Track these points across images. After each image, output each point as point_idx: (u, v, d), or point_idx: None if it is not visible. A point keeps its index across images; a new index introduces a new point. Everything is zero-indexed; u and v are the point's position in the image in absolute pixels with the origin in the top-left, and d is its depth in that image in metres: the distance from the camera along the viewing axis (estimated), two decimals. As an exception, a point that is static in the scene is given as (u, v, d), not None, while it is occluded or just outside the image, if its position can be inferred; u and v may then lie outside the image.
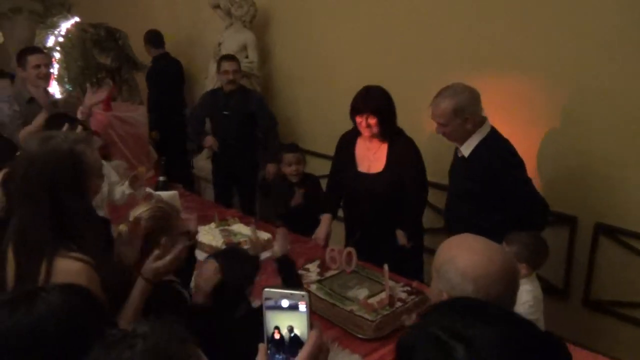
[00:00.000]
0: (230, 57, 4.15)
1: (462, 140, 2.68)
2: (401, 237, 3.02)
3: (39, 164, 1.56)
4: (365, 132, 2.98)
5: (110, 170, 3.23)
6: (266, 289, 0.89)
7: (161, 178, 3.39)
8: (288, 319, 0.88)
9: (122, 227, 1.85)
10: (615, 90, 3.01)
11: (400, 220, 3.04)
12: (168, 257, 1.74)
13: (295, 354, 0.88)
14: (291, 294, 0.88)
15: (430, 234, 3.37)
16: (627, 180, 3.03)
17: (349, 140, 3.14)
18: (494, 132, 2.67)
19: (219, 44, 4.68)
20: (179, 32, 5.73)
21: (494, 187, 2.60)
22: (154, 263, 1.71)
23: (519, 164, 2.66)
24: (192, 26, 5.53)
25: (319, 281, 2.60)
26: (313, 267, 2.73)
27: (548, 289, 3.02)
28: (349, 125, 3.18)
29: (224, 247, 2.90)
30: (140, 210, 1.96)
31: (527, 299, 2.35)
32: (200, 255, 2.91)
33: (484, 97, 2.67)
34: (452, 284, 1.31)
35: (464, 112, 2.58)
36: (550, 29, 3.19)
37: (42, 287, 1.12)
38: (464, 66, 3.46)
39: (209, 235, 3.04)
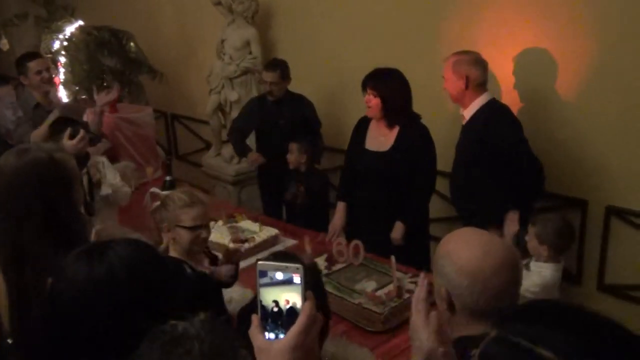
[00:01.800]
0: (270, 67, 3.85)
1: (460, 100, 2.85)
2: (398, 230, 2.97)
3: (22, 176, 1.53)
4: (368, 111, 2.98)
5: (113, 172, 3.24)
6: (260, 262, 0.88)
7: (168, 178, 3.40)
8: (280, 292, 0.88)
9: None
10: (622, 74, 2.97)
11: (403, 208, 3.01)
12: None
13: (290, 325, 0.88)
14: (286, 266, 0.87)
15: (439, 223, 3.35)
16: (635, 161, 2.99)
17: (363, 123, 3.14)
18: (494, 100, 2.86)
19: (222, 41, 4.67)
20: (183, 30, 5.73)
21: (491, 150, 2.75)
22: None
23: (515, 123, 2.81)
24: (196, 23, 5.52)
25: (326, 275, 2.59)
26: (321, 261, 2.72)
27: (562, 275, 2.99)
28: (355, 117, 3.18)
29: (231, 244, 2.91)
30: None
31: (536, 282, 2.31)
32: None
33: (493, 79, 2.80)
34: (448, 279, 1.29)
35: (460, 70, 2.78)
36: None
37: (111, 240, 1.18)
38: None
39: (217, 234, 3.04)
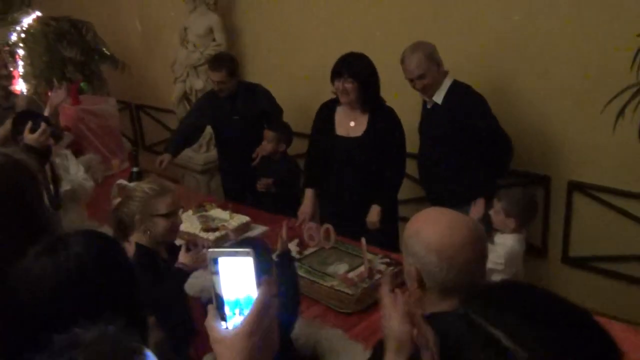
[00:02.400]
0: (215, 67, 3.57)
1: (435, 88, 2.88)
2: (374, 214, 2.97)
3: None
4: (343, 98, 2.93)
5: (76, 166, 3.18)
6: (210, 250, 0.85)
7: (134, 169, 3.35)
8: (237, 277, 0.85)
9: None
10: (579, 52, 3.04)
11: (377, 192, 3.02)
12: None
13: (239, 314, 0.85)
14: (236, 251, 0.84)
15: (408, 204, 3.39)
16: (593, 138, 3.08)
17: (328, 108, 3.10)
18: (456, 80, 2.91)
19: (185, 29, 4.61)
20: (145, 18, 5.63)
21: (468, 126, 2.81)
22: None
23: (486, 102, 2.88)
24: (158, 11, 5.43)
25: (298, 259, 2.60)
26: (292, 246, 2.73)
27: (527, 249, 3.07)
28: (320, 101, 3.17)
29: (202, 233, 2.90)
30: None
31: (500, 254, 2.38)
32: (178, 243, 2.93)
33: (455, 64, 2.90)
34: (418, 257, 1.32)
35: (434, 57, 2.82)
36: None
37: (65, 235, 1.17)
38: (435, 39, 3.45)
39: (187, 223, 3.03)
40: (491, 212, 2.47)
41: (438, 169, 3.00)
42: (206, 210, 3.19)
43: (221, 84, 3.58)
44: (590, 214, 3.25)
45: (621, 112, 1.33)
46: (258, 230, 3.08)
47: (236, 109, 3.66)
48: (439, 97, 2.89)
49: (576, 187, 3.25)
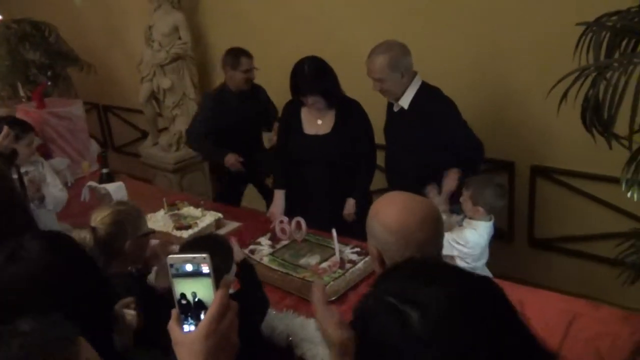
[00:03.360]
0: (245, 53, 3.55)
1: (399, 94, 2.77)
2: (350, 207, 3.00)
3: None
4: (312, 109, 2.95)
5: (53, 176, 3.15)
6: (169, 256, 0.88)
7: (104, 170, 3.35)
8: (193, 283, 0.88)
9: None
10: (532, 41, 3.12)
11: (349, 186, 3.03)
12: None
13: (200, 317, 0.88)
14: (193, 257, 0.87)
15: (379, 194, 3.45)
16: (552, 124, 3.16)
17: (293, 107, 3.07)
18: (425, 83, 2.80)
19: (150, 28, 4.59)
20: (108, 18, 5.57)
21: (436, 133, 2.71)
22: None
23: (455, 107, 2.78)
24: (121, 11, 5.38)
25: (271, 253, 2.65)
26: (265, 241, 2.78)
27: (494, 233, 3.16)
28: (286, 98, 3.18)
29: (174, 231, 2.92)
30: (101, 216, 1.96)
31: (468, 238, 2.44)
32: (152, 243, 2.94)
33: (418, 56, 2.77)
34: (377, 238, 1.40)
35: (398, 65, 2.67)
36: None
37: (22, 242, 1.20)
38: (397, 30, 3.51)
39: (160, 222, 3.05)
40: (461, 200, 2.53)
41: (405, 174, 2.90)
42: (178, 209, 3.20)
43: (249, 72, 3.56)
44: (553, 196, 3.36)
45: (563, 98, 1.40)
46: (230, 226, 3.10)
47: (245, 105, 3.61)
48: (405, 102, 2.78)
49: (539, 171, 3.36)
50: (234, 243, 2.16)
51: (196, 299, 0.88)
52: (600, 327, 2.03)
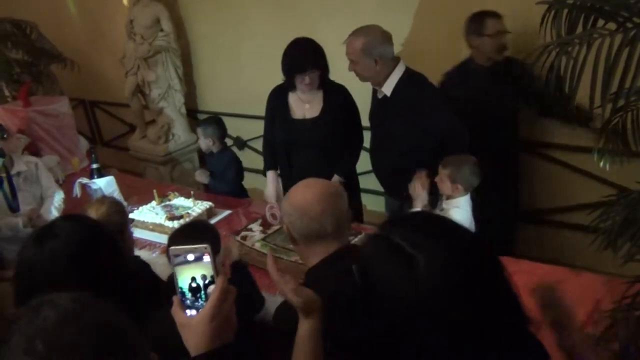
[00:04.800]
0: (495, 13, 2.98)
1: (375, 80, 2.78)
2: (334, 181, 3.00)
3: None
4: (307, 88, 2.94)
5: (48, 177, 3.18)
6: (172, 247, 0.97)
7: (94, 165, 3.39)
8: (196, 269, 0.97)
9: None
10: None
11: (336, 164, 3.06)
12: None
13: (206, 299, 0.98)
14: (195, 248, 0.96)
15: (365, 177, 3.51)
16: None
17: (281, 93, 3.09)
18: (409, 69, 2.78)
19: (131, 21, 4.59)
20: (89, 13, 5.56)
21: (418, 120, 2.71)
22: None
23: (438, 92, 2.80)
24: (101, 5, 5.37)
25: (263, 239, 2.70)
26: (256, 227, 2.83)
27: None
28: (271, 84, 3.20)
29: (167, 222, 2.97)
30: (101, 211, 2.06)
31: (456, 218, 2.50)
32: (144, 234, 3.00)
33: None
34: (287, 215, 1.60)
35: (372, 52, 2.67)
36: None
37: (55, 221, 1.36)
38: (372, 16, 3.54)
39: (152, 214, 3.09)
40: (436, 180, 2.56)
41: (387, 160, 2.93)
42: (169, 200, 3.25)
43: (499, 37, 3.01)
44: (535, 169, 3.43)
45: (528, 75, 1.47)
46: (222, 214, 3.16)
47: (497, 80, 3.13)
48: (387, 89, 2.77)
49: (521, 145, 3.42)
50: (232, 243, 2.29)
51: (206, 281, 0.98)
52: (581, 292, 2.10)
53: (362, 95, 3.11)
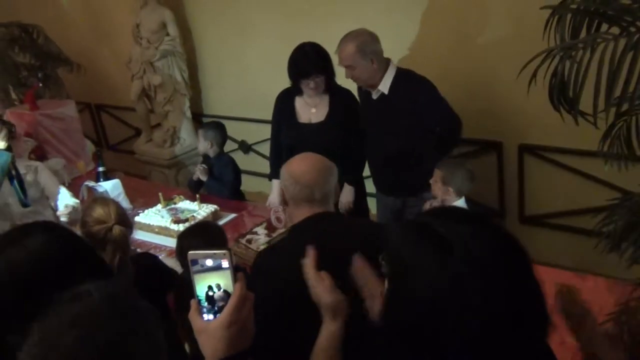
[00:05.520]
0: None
1: (373, 81, 2.82)
2: (349, 194, 3.06)
3: None
4: (312, 92, 2.97)
5: (52, 181, 3.19)
6: (190, 252, 0.96)
7: (100, 168, 3.41)
8: (214, 277, 0.96)
9: None
10: (511, 25, 3.18)
11: (346, 171, 2.99)
12: None
13: (224, 305, 0.97)
14: (214, 253, 0.95)
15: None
16: (535, 102, 3.18)
17: (287, 97, 3.11)
18: (399, 68, 2.86)
19: (137, 25, 4.62)
20: (95, 17, 5.60)
21: (420, 112, 2.77)
22: None
23: (432, 85, 2.84)
24: (108, 9, 5.41)
25: (268, 242, 2.72)
26: (261, 230, 2.85)
27: (486, 212, 3.22)
28: (277, 88, 3.23)
29: (172, 225, 2.99)
30: (113, 214, 1.99)
31: None
32: (150, 237, 3.02)
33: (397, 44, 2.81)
34: (282, 180, 1.78)
35: (366, 51, 2.72)
36: None
37: (26, 227, 1.21)
38: (380, 21, 3.56)
39: (157, 217, 3.11)
40: (431, 181, 2.60)
41: (391, 160, 2.93)
42: (175, 203, 3.27)
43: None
44: (540, 174, 3.43)
45: (532, 78, 1.47)
46: (227, 217, 3.18)
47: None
48: (384, 87, 2.81)
49: (526, 149, 3.43)
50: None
51: (221, 290, 0.97)
52: (587, 296, 2.11)
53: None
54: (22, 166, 3.09)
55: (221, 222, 3.08)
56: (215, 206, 3.19)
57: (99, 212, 1.98)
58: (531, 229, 3.59)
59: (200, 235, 2.21)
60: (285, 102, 3.12)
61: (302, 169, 1.76)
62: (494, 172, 3.58)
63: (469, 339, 0.85)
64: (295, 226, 1.76)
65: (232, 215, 3.19)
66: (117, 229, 1.94)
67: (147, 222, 3.08)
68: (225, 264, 0.96)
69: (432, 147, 2.81)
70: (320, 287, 1.26)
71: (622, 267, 1.69)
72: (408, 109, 2.78)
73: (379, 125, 2.93)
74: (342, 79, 2.96)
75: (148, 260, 2.23)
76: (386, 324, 0.97)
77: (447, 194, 2.52)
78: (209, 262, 0.95)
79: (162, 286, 2.09)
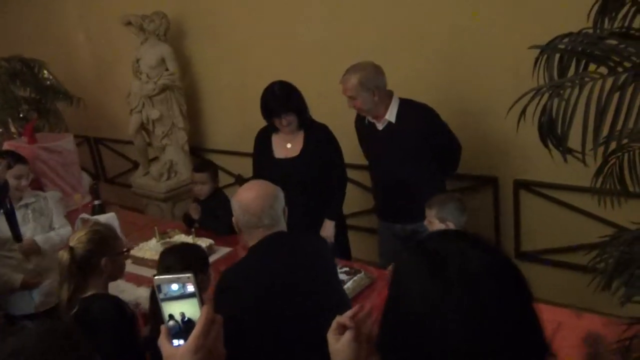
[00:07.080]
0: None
1: (376, 111, 2.91)
2: (329, 228, 3.09)
3: None
4: (285, 130, 3.04)
5: (59, 214, 3.17)
6: (155, 277, 0.95)
7: (96, 202, 3.42)
8: (180, 303, 0.95)
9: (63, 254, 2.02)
10: (506, 60, 3.23)
11: (325, 206, 3.12)
12: None
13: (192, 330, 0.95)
14: (178, 277, 0.94)
15: (365, 215, 3.53)
16: (531, 139, 3.22)
17: (264, 134, 3.18)
18: (402, 98, 2.96)
19: (137, 60, 4.69)
20: (96, 52, 5.69)
21: (428, 137, 2.89)
22: None
23: (435, 111, 2.95)
24: (109, 45, 5.49)
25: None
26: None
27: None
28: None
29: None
30: (78, 235, 2.06)
31: None
32: (143, 270, 3.00)
33: (400, 78, 2.95)
34: (234, 210, 1.94)
35: (369, 85, 2.82)
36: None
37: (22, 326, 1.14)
38: (376, 52, 3.61)
39: (152, 251, 3.10)
40: (425, 224, 2.56)
41: (402, 187, 3.00)
42: (170, 237, 3.26)
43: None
44: (535, 209, 3.43)
45: (521, 115, 1.49)
46: (222, 252, 3.17)
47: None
48: (391, 116, 2.91)
49: (521, 185, 3.44)
50: None
51: (185, 319, 0.95)
52: (583, 333, 2.09)
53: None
54: (31, 195, 3.08)
55: (216, 256, 3.08)
56: (211, 240, 3.18)
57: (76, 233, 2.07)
58: (527, 265, 3.57)
59: (176, 254, 2.17)
60: (263, 139, 3.20)
61: (248, 198, 1.92)
62: (489, 208, 3.58)
63: (461, 356, 0.84)
64: (252, 247, 1.93)
65: (227, 250, 3.18)
66: (63, 254, 1.98)
67: (141, 255, 3.06)
68: (190, 287, 0.94)
69: (439, 170, 2.97)
70: (338, 342, 1.15)
71: (617, 305, 1.68)
72: (416, 134, 2.89)
73: (389, 154, 3.00)
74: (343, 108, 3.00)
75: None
76: (381, 342, 0.95)
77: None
78: (175, 287, 0.94)
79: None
